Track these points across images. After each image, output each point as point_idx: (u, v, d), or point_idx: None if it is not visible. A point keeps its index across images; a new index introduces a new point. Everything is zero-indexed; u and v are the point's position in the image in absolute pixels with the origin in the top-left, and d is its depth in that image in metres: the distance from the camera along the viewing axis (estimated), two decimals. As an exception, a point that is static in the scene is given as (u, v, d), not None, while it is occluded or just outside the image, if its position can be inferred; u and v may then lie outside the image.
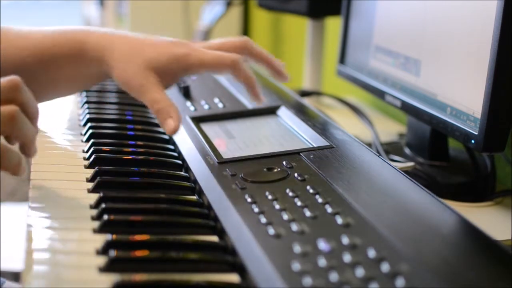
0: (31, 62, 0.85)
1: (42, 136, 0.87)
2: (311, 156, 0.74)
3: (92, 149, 0.81)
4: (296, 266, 0.53)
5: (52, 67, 0.86)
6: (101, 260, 0.57)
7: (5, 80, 0.65)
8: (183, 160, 0.80)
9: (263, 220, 0.60)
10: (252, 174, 0.70)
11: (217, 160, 0.75)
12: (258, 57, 0.86)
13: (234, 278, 0.57)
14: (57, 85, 0.88)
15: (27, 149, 0.68)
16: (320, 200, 0.63)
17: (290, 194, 0.65)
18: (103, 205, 0.65)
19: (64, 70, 0.86)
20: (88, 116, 0.93)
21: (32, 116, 0.67)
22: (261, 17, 2.25)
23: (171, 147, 0.86)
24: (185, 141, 0.84)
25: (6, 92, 0.65)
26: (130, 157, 0.80)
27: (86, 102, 1.00)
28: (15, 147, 0.67)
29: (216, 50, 0.83)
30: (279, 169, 0.71)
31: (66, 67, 0.86)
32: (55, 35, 0.87)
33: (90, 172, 0.75)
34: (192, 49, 0.81)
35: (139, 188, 0.72)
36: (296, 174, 0.69)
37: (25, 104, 0.66)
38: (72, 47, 0.85)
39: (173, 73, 0.82)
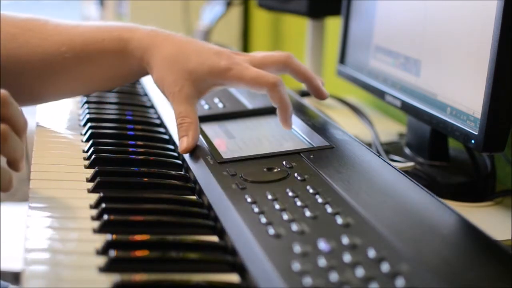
0: (69, 57, 0.85)
1: (42, 136, 0.87)
2: (311, 156, 0.74)
3: (92, 149, 0.81)
4: (296, 266, 0.53)
5: (90, 63, 0.85)
6: (101, 260, 0.57)
7: None
8: (183, 160, 0.80)
9: (263, 220, 0.60)
10: (252, 174, 0.70)
11: (217, 160, 0.75)
12: (299, 74, 0.85)
13: (234, 278, 0.57)
14: (93, 80, 0.88)
15: (16, 166, 0.64)
16: (320, 200, 0.63)
17: (290, 194, 0.65)
18: (103, 205, 0.65)
19: (103, 67, 0.86)
20: (88, 116, 0.93)
21: (20, 130, 0.64)
22: (261, 17, 2.25)
23: (171, 147, 0.85)
24: (185, 141, 0.84)
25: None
26: (130, 157, 0.80)
27: (86, 102, 1.00)
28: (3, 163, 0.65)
29: (258, 64, 0.82)
30: (279, 169, 0.71)
31: (106, 64, 0.85)
32: (99, 31, 0.86)
33: (90, 172, 0.75)
34: (234, 63, 0.80)
35: (139, 188, 0.72)
36: (296, 174, 0.69)
37: (13, 119, 0.63)
38: (116, 45, 0.84)
39: (210, 84, 0.81)
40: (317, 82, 0.86)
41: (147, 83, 1.14)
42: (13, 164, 0.64)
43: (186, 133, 0.79)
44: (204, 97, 0.84)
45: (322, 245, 0.55)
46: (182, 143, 0.79)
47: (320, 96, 0.86)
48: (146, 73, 0.86)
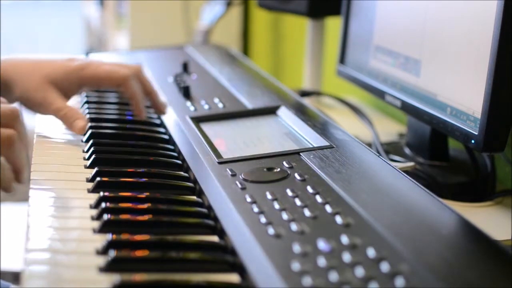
0: None
1: (42, 136, 0.87)
2: (311, 156, 0.74)
3: (92, 149, 0.81)
4: (296, 266, 0.53)
5: None
6: (101, 260, 0.57)
7: (6, 108, 0.69)
8: (183, 160, 0.80)
9: (263, 220, 0.60)
10: (252, 174, 0.70)
11: (217, 160, 0.75)
12: (144, 85, 0.91)
13: (234, 278, 0.57)
14: None
15: (19, 175, 0.70)
16: (320, 200, 0.63)
17: (290, 194, 0.65)
18: (103, 205, 0.66)
19: None
20: (88, 116, 0.93)
21: (25, 146, 0.70)
22: (261, 17, 2.25)
23: (171, 147, 0.86)
24: (185, 141, 0.84)
25: (7, 118, 0.68)
26: (130, 157, 0.80)
27: (86, 102, 1.00)
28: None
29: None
30: (279, 169, 0.71)
31: None
32: None
33: (90, 172, 0.75)
34: (87, 63, 0.89)
35: (139, 188, 0.72)
36: (296, 174, 0.69)
37: (20, 134, 0.69)
38: None
39: (70, 85, 0.88)
40: (159, 99, 0.94)
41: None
42: (17, 173, 0.69)
43: (76, 117, 0.84)
44: (74, 96, 0.91)
45: (322, 245, 0.55)
46: (77, 125, 0.83)
47: (159, 111, 0.94)
48: (12, 92, 0.88)
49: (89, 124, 0.90)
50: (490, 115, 0.77)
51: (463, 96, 0.83)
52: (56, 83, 0.86)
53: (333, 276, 0.51)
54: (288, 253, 0.55)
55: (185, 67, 1.17)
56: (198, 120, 0.90)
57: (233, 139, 0.84)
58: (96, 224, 0.63)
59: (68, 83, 0.87)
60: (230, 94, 1.02)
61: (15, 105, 0.71)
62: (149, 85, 0.92)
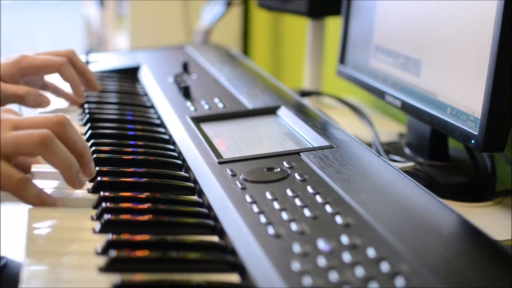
0: None
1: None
2: (311, 156, 0.74)
3: (92, 149, 0.81)
4: (296, 266, 0.53)
5: None
6: (101, 260, 0.57)
7: (53, 115, 0.68)
8: (183, 160, 0.80)
9: (263, 220, 0.60)
10: (252, 174, 0.70)
11: (217, 160, 0.75)
12: (79, 67, 0.97)
13: (234, 278, 0.57)
14: None
15: (66, 175, 0.67)
16: (320, 200, 0.63)
17: (290, 194, 0.65)
18: (103, 205, 0.66)
19: None
20: (88, 116, 0.93)
21: (77, 151, 0.67)
22: (261, 17, 2.25)
23: (171, 147, 0.85)
24: (185, 141, 0.84)
25: (52, 127, 0.66)
26: (130, 157, 0.80)
27: (86, 102, 1.00)
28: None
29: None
30: (279, 169, 0.71)
31: None
32: None
33: (90, 172, 0.75)
34: (23, 56, 0.93)
35: (139, 188, 0.72)
36: (296, 174, 0.69)
37: (70, 140, 0.67)
38: None
39: (14, 76, 0.92)
40: (93, 78, 0.99)
41: (147, 83, 1.14)
42: (62, 172, 0.66)
43: (28, 88, 0.90)
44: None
45: (322, 245, 0.55)
46: (43, 102, 0.92)
47: (89, 89, 1.00)
48: None
49: (89, 124, 0.90)
50: (490, 115, 0.77)
51: (463, 96, 0.83)
52: (4, 77, 0.92)
53: (333, 276, 0.51)
54: (288, 253, 0.55)
55: (185, 67, 1.17)
56: (198, 120, 0.90)
57: (233, 139, 0.84)
58: (96, 224, 0.63)
59: (12, 75, 0.92)
60: (230, 94, 1.02)
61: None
62: (83, 66, 0.98)
